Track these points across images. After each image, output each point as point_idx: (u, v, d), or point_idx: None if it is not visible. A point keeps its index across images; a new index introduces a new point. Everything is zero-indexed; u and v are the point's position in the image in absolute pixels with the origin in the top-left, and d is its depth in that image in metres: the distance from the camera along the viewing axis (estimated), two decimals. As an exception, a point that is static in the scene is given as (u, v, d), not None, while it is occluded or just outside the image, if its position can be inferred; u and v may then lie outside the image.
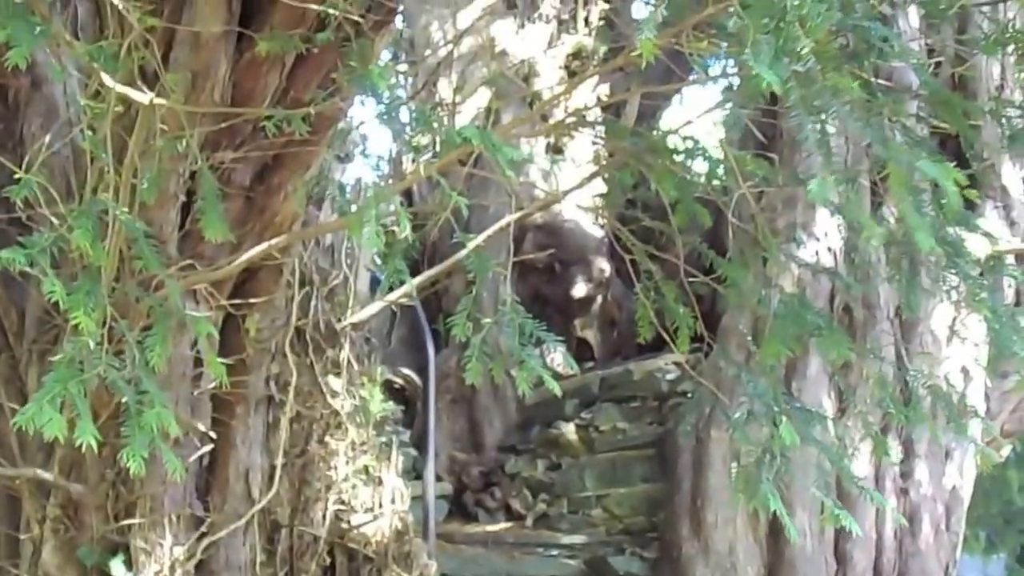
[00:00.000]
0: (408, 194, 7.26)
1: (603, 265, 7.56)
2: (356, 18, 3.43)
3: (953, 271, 2.99)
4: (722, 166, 3.22)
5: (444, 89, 7.68)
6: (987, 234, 3.68)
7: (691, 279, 3.52)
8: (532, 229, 7.37)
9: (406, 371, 7.01)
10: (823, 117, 2.51)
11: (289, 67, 3.66)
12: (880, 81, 3.00)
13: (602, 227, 7.44)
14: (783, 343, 3.00)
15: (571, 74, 7.75)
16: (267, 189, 3.90)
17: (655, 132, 4.82)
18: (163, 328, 2.82)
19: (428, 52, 7.91)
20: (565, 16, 8.04)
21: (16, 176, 2.80)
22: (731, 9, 2.43)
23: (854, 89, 2.49)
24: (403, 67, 8.18)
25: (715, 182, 3.29)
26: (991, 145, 5.26)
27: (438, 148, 3.42)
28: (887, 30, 2.66)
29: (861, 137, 2.95)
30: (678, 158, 3.28)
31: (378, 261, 4.57)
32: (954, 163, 3.33)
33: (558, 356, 7.56)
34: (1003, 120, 3.09)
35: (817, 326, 3.02)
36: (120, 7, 2.69)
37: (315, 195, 4.49)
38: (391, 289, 4.26)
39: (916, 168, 2.47)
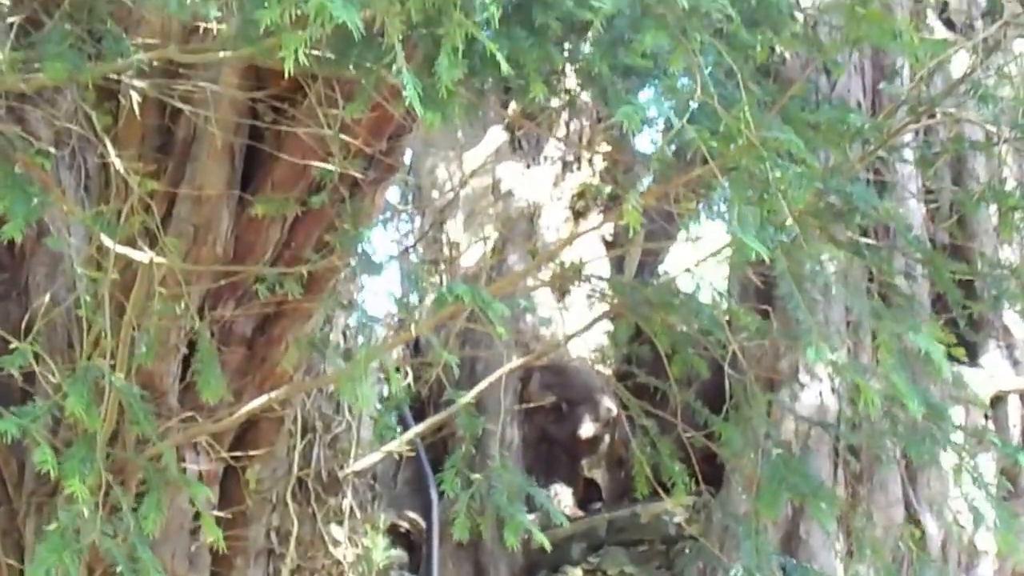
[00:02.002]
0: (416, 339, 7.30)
1: (610, 404, 7.53)
2: (356, 175, 3.52)
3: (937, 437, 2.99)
4: (717, 319, 3.24)
5: (451, 230, 7.77)
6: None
7: (688, 435, 3.52)
8: (538, 369, 7.37)
9: (412, 515, 6.94)
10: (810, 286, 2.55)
11: (290, 221, 3.73)
12: (867, 241, 3.05)
13: (608, 366, 7.44)
14: (778, 504, 2.97)
15: (576, 214, 7.84)
16: (268, 340, 3.93)
17: (657, 278, 4.86)
18: (157, 494, 2.81)
19: (435, 194, 8.02)
20: (570, 157, 8.16)
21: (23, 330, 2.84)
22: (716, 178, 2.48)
23: (839, 257, 2.53)
24: (409, 208, 8.28)
25: (710, 336, 3.31)
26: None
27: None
28: (869, 193, 2.72)
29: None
30: (675, 313, 3.31)
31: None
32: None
33: (566, 496, 7.54)
34: (991, 279, 3.13)
35: (813, 487, 3.00)
36: (121, 171, 2.74)
37: (318, 342, 4.52)
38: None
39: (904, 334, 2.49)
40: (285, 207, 3.40)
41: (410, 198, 8.31)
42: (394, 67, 2.15)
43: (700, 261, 3.72)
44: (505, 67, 2.19)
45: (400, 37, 2.25)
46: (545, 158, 8.06)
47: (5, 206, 2.37)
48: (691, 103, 2.48)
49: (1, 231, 2.44)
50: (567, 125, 7.85)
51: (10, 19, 3.28)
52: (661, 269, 8.03)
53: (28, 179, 2.51)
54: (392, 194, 7.68)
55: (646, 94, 3.63)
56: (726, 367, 3.32)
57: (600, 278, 4.10)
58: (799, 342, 2.90)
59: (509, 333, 2.57)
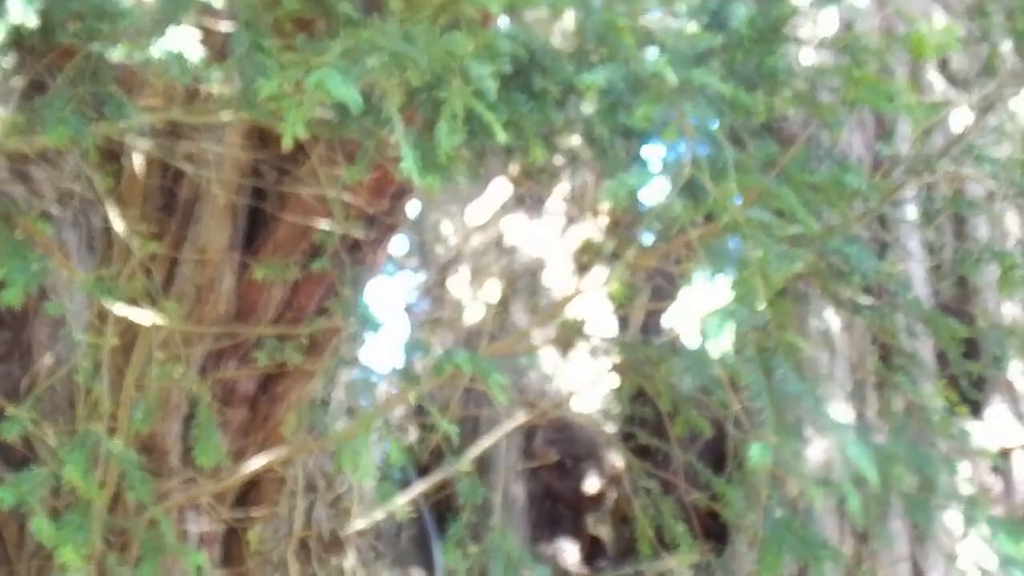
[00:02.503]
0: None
1: (615, 460, 7.50)
2: (357, 236, 3.53)
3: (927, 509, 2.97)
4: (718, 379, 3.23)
5: (454, 284, 7.78)
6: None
7: (690, 496, 3.51)
8: (542, 425, 7.36)
9: (416, 574, 6.89)
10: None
11: (293, 280, 3.74)
12: (864, 302, 3.05)
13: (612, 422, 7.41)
14: (780, 565, 2.95)
15: (580, 268, 7.85)
16: (271, 399, 3.93)
17: (661, 333, 4.85)
18: (154, 560, 2.80)
19: (438, 248, 8.04)
20: (574, 211, 8.18)
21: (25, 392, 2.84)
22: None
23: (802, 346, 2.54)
24: (414, 262, 8.30)
25: (712, 396, 3.31)
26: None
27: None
28: (868, 253, 2.72)
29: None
30: (676, 372, 3.30)
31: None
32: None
33: (572, 552, 7.47)
34: (993, 338, 3.13)
35: (817, 547, 2.98)
36: (122, 235, 2.76)
37: (321, 401, 4.51)
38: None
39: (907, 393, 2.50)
40: (285, 272, 3.41)
41: (414, 252, 8.33)
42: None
43: (703, 317, 3.70)
44: (503, 136, 2.20)
45: (399, 104, 2.28)
46: (549, 212, 8.08)
47: (5, 273, 2.38)
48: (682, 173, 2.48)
49: (0, 298, 2.45)
50: (570, 179, 7.87)
51: (13, 81, 3.33)
52: (666, 321, 8.04)
53: (29, 244, 2.53)
54: (398, 245, 7.72)
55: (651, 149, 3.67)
56: (728, 427, 3.32)
57: (601, 337, 4.09)
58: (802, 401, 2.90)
59: (509, 398, 2.56)
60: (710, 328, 2.66)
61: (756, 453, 2.44)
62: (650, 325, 7.41)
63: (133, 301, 2.99)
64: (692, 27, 3.79)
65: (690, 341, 3.57)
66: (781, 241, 2.67)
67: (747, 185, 2.69)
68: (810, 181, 2.97)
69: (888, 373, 3.47)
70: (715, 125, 2.78)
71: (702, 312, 3.27)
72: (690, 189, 2.75)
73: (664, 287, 5.03)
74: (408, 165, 2.12)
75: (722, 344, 2.55)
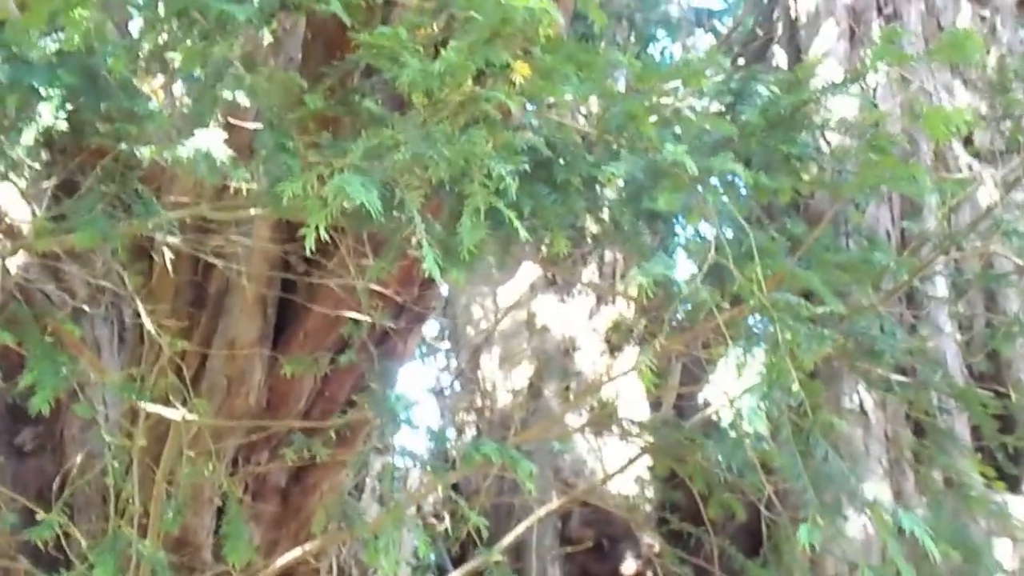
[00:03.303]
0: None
1: (652, 541, 7.40)
2: (388, 325, 3.55)
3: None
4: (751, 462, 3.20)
5: (486, 366, 7.77)
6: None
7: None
8: (578, 505, 7.28)
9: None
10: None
11: (323, 370, 3.74)
12: (897, 378, 3.03)
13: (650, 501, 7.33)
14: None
15: (612, 348, 7.82)
16: (302, 490, 3.92)
17: (694, 412, 4.82)
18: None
19: (469, 330, 8.04)
20: (603, 290, 8.17)
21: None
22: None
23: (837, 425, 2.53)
24: (445, 344, 8.30)
25: (745, 479, 3.27)
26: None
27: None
28: (890, 337, 2.72)
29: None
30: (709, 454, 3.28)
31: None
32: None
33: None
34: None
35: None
36: (152, 333, 2.78)
37: (352, 489, 4.49)
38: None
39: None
40: (314, 367, 3.42)
41: (445, 335, 8.33)
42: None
43: (733, 399, 3.68)
44: (524, 234, 2.22)
45: (422, 199, 2.30)
46: (579, 291, 8.07)
47: (35, 376, 2.41)
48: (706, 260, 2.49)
49: (30, 403, 2.47)
50: (598, 259, 7.88)
51: (45, 184, 3.39)
52: (701, 397, 7.97)
53: (58, 347, 2.55)
54: (429, 327, 7.73)
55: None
56: (762, 509, 3.28)
57: (632, 421, 4.07)
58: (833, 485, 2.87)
59: (539, 486, 2.55)
60: (743, 410, 2.66)
61: (805, 535, 2.41)
62: (683, 405, 7.35)
63: (163, 398, 3.00)
64: (715, 107, 3.84)
65: (723, 422, 3.56)
66: (809, 322, 2.67)
67: (773, 268, 2.70)
68: (837, 260, 2.96)
69: (924, 449, 3.42)
70: (737, 208, 2.80)
71: (735, 394, 3.27)
72: (716, 272, 2.75)
73: (695, 367, 4.99)
74: (430, 264, 2.14)
75: (755, 425, 2.54)
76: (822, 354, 2.66)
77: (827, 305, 2.57)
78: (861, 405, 4.56)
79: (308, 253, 3.51)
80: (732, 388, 3.60)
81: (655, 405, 7.06)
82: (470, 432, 7.45)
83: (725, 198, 2.69)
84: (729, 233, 2.77)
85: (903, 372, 3.30)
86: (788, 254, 3.14)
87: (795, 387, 2.62)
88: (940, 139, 2.46)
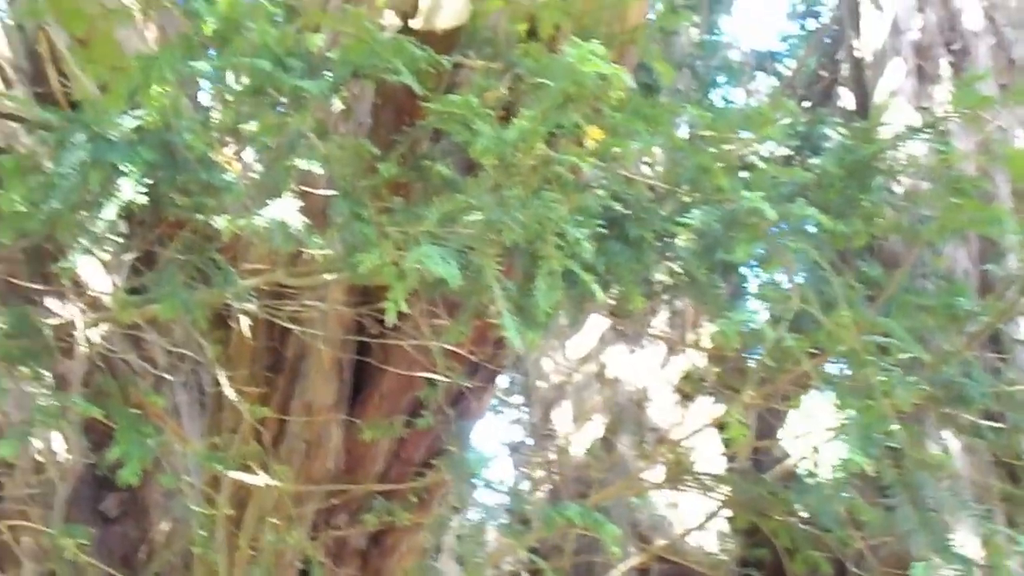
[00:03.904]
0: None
1: (734, 595, 7.29)
2: (463, 384, 3.55)
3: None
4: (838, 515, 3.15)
5: (559, 419, 7.73)
6: None
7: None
8: (657, 561, 7.18)
9: None
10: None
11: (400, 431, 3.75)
12: (989, 424, 2.96)
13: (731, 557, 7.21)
14: None
15: (684, 397, 7.75)
16: (381, 552, 3.91)
17: (773, 462, 4.75)
18: None
19: (541, 383, 8.02)
20: (675, 338, 8.10)
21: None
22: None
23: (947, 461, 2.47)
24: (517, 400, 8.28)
25: (831, 533, 3.21)
26: None
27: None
28: (977, 382, 2.66)
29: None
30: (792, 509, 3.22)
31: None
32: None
33: None
34: None
35: None
36: (233, 401, 2.81)
37: (432, 549, 4.48)
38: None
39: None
40: (391, 430, 3.43)
41: (517, 388, 8.32)
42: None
43: (815, 449, 3.62)
44: (601, 296, 2.21)
45: (496, 261, 2.31)
46: (649, 342, 8.02)
47: (122, 449, 2.44)
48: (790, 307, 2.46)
49: (118, 476, 2.50)
50: (669, 309, 7.83)
51: (125, 255, 3.46)
52: (780, 446, 7.86)
53: (143, 418, 2.59)
54: (500, 381, 7.72)
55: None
56: (851, 568, 3.21)
57: (711, 475, 4.02)
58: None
59: (621, 548, 2.52)
60: (831, 458, 2.62)
61: (920, 573, 2.36)
62: (760, 455, 7.25)
63: (245, 465, 3.03)
64: (781, 151, 3.81)
65: (807, 473, 3.50)
66: (895, 368, 2.62)
67: (854, 315, 2.66)
68: (919, 304, 2.91)
69: (1016, 494, 3.32)
70: (816, 255, 2.77)
71: (817, 443, 3.22)
72: (797, 321, 2.72)
73: (769, 415, 4.92)
74: (508, 330, 2.13)
75: (851, 468, 2.49)
76: (913, 399, 2.61)
77: (910, 351, 2.52)
78: (946, 451, 4.45)
79: (382, 315, 3.57)
80: (814, 437, 3.56)
81: (731, 456, 6.97)
82: (545, 487, 7.40)
83: (804, 245, 2.66)
84: (805, 279, 2.74)
85: (990, 417, 3.22)
86: (867, 299, 3.10)
87: (892, 429, 2.57)
88: (1021, 180, 2.42)
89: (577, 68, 2.10)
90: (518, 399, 8.28)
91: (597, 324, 7.99)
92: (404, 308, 2.17)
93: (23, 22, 4.44)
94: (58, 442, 3.61)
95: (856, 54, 6.31)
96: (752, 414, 6.86)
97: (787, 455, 5.75)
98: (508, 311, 2.14)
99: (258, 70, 2.27)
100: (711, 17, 8.65)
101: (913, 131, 2.66)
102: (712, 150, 2.69)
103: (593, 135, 2.26)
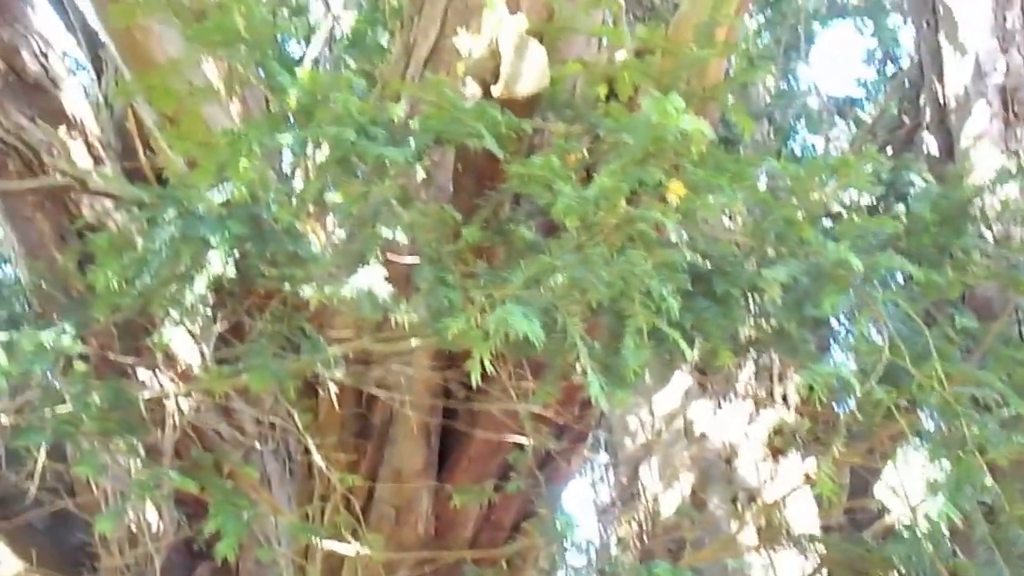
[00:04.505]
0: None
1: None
2: (551, 447, 3.53)
3: None
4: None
5: (646, 477, 7.65)
6: None
7: None
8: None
9: None
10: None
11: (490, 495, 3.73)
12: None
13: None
14: None
15: (775, 452, 7.62)
16: (475, 617, 3.89)
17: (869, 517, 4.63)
18: None
19: (627, 440, 7.95)
20: (762, 393, 7.99)
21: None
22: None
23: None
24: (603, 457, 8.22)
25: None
26: None
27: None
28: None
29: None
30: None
31: None
32: None
33: None
34: None
35: None
36: (324, 470, 2.82)
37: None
38: None
39: None
40: (481, 496, 3.42)
41: (602, 446, 8.26)
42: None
43: (911, 505, 3.53)
44: (690, 353, 2.19)
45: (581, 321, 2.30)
46: (736, 396, 7.91)
47: (219, 523, 2.46)
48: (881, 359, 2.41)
49: (214, 550, 2.52)
50: (755, 362, 7.73)
51: (215, 327, 3.51)
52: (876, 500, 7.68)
53: (237, 492, 2.61)
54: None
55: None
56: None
57: (807, 536, 3.93)
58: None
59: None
60: (930, 513, 2.56)
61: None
62: (855, 510, 7.09)
63: (336, 533, 3.03)
64: (865, 199, 3.76)
65: (905, 528, 3.40)
66: (992, 422, 2.56)
67: (950, 368, 2.60)
68: (1018, 357, 2.84)
69: None
70: (906, 306, 2.72)
71: (916, 498, 3.13)
72: (888, 374, 2.66)
73: (864, 469, 4.81)
74: (595, 391, 2.12)
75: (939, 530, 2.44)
76: (1014, 453, 2.54)
77: (1011, 406, 2.45)
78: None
79: (468, 378, 3.58)
80: (912, 492, 3.47)
81: (825, 510, 6.82)
82: (634, 546, 7.31)
83: (893, 296, 2.61)
84: (896, 330, 2.69)
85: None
86: (963, 351, 3.03)
87: (987, 485, 2.51)
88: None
89: (657, 123, 2.10)
90: (604, 457, 8.21)
91: (682, 379, 7.91)
92: (488, 368, 2.16)
93: (115, 102, 4.58)
94: (152, 513, 3.66)
95: (939, 98, 6.22)
96: (845, 469, 6.74)
97: (884, 510, 5.62)
98: (594, 370, 2.12)
99: (342, 140, 2.31)
100: (788, 65, 8.62)
101: (1007, 176, 2.61)
102: (795, 202, 2.67)
103: (676, 190, 2.25)
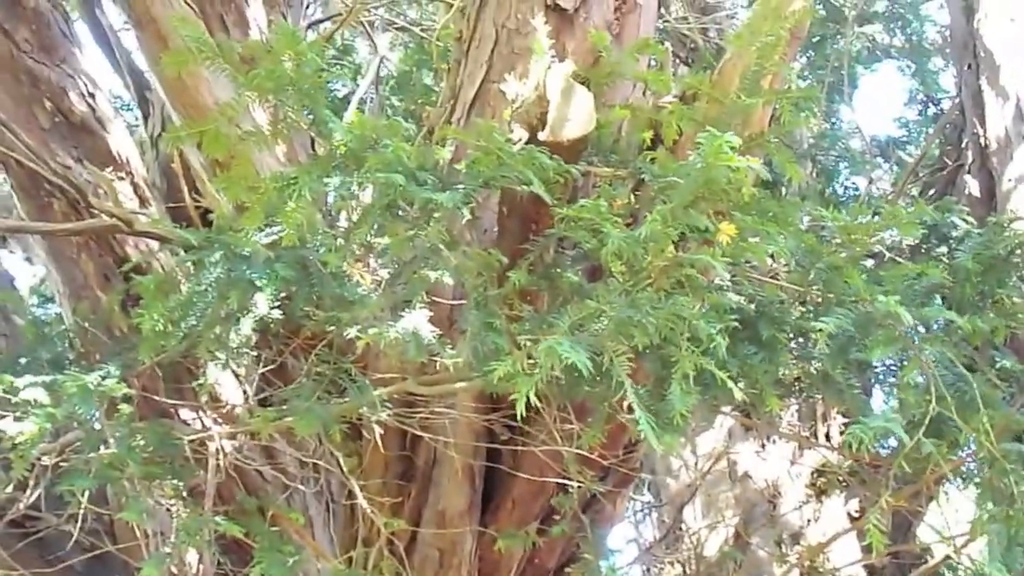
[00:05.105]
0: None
1: None
2: (596, 489, 3.51)
3: None
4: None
5: (689, 518, 7.60)
6: None
7: None
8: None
9: None
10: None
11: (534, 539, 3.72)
12: None
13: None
14: None
15: (819, 492, 7.55)
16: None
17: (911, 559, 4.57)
18: None
19: (670, 481, 7.90)
20: (805, 432, 7.93)
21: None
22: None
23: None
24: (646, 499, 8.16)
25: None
26: None
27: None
28: None
29: None
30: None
31: None
32: None
33: None
34: None
35: None
36: (369, 514, 2.82)
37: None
38: None
39: None
40: (525, 540, 3.41)
41: (646, 488, 8.20)
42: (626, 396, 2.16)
43: (960, 548, 3.48)
44: (739, 394, 2.18)
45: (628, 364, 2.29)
46: (780, 436, 7.85)
47: (263, 569, 2.46)
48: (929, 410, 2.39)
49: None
50: (799, 403, 7.67)
51: (257, 368, 3.53)
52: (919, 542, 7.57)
53: (282, 537, 2.61)
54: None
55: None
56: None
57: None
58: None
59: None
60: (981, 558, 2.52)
61: None
62: (898, 553, 6.99)
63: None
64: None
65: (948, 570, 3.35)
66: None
67: (996, 416, 2.57)
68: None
69: None
70: (952, 354, 2.69)
71: (961, 539, 3.09)
72: (934, 422, 2.64)
73: (908, 512, 4.74)
74: (646, 431, 2.11)
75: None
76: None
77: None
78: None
79: (512, 420, 3.58)
80: (955, 533, 3.43)
81: (867, 552, 6.73)
82: (679, 590, 7.25)
83: (939, 348, 2.59)
84: (942, 379, 2.66)
85: None
86: (1008, 396, 3.00)
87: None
88: None
89: (709, 163, 2.10)
90: (647, 497, 8.15)
91: (725, 419, 7.86)
92: (534, 407, 2.16)
93: (165, 147, 4.63)
94: (192, 555, 3.67)
95: (980, 140, 6.19)
96: (888, 511, 6.62)
97: (927, 551, 5.53)
98: (643, 409, 2.12)
99: (391, 185, 2.32)
100: (831, 106, 8.62)
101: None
102: (840, 248, 2.66)
103: (727, 231, 2.25)
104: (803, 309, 2.68)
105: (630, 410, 2.38)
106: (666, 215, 2.19)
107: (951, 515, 3.95)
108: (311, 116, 2.46)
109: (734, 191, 2.23)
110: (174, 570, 3.82)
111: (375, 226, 2.62)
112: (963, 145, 6.91)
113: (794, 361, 2.90)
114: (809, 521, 7.41)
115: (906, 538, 7.15)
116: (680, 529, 7.60)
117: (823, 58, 8.11)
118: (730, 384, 2.16)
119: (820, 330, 2.33)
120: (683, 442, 7.96)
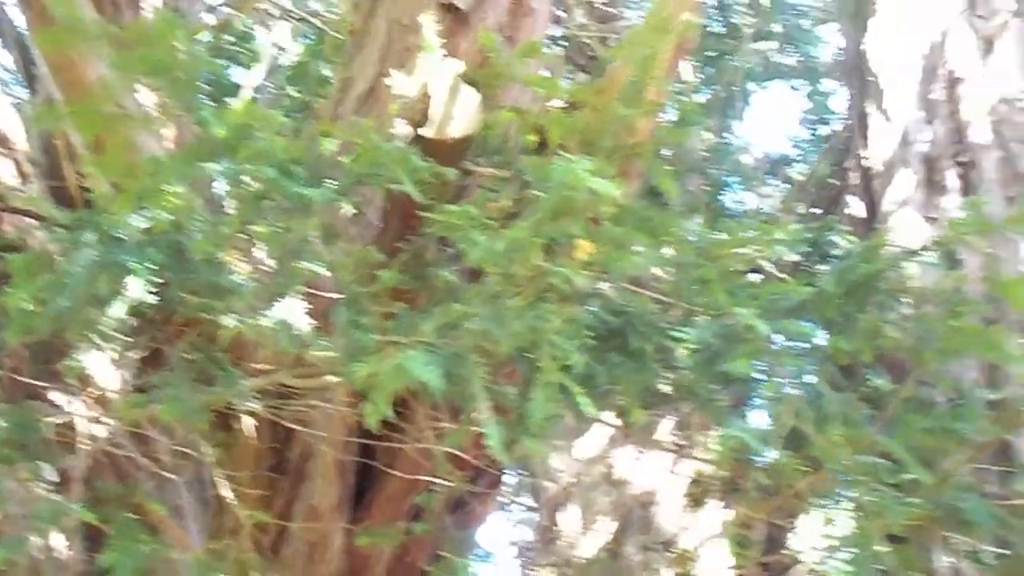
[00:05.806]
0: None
1: None
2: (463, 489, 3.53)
3: None
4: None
5: (566, 522, 7.66)
6: None
7: None
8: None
9: None
10: None
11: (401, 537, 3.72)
12: (992, 549, 2.92)
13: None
14: None
15: (694, 501, 7.68)
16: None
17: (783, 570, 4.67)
18: None
19: (547, 484, 7.96)
20: (682, 442, 8.06)
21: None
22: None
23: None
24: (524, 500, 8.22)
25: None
26: None
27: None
28: (980, 507, 2.63)
29: None
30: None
31: None
32: None
33: None
34: None
35: None
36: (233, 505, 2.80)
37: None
38: None
39: None
40: (392, 537, 3.41)
41: (524, 489, 8.26)
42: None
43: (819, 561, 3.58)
44: (591, 410, 2.22)
45: (493, 369, 2.32)
46: (649, 445, 7.96)
47: (114, 558, 2.43)
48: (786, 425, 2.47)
49: (111, 584, 2.49)
50: (676, 413, 7.80)
51: (132, 353, 3.47)
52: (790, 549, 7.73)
53: (140, 525, 2.58)
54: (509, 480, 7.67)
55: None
56: None
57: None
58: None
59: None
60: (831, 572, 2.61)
61: None
62: (770, 563, 7.14)
63: (244, 570, 3.00)
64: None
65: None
66: (893, 487, 2.62)
67: (854, 433, 2.65)
68: (923, 426, 2.89)
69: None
70: (815, 370, 2.77)
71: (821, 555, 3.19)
72: (797, 436, 2.71)
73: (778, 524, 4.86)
74: (492, 441, 2.14)
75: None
76: (909, 520, 2.60)
77: (910, 472, 2.51)
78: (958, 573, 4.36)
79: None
80: (818, 550, 3.52)
81: (739, 561, 6.87)
82: (552, 590, 7.31)
83: (801, 361, 2.67)
84: (804, 394, 2.74)
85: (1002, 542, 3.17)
86: (872, 414, 3.09)
87: (881, 551, 2.57)
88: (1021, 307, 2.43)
89: (568, 182, 2.13)
90: (524, 498, 8.21)
91: (605, 425, 7.94)
92: (387, 413, 2.17)
93: (42, 128, 4.53)
94: (57, 539, 3.60)
95: (864, 163, 6.36)
96: (760, 523, 6.77)
97: (796, 562, 5.67)
98: (498, 420, 2.14)
99: (260, 178, 2.31)
100: (724, 122, 8.76)
101: (915, 253, 2.68)
102: (713, 263, 2.71)
103: (584, 248, 2.28)
104: (669, 321, 2.73)
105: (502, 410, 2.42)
106: (530, 226, 2.22)
107: (821, 527, 4.05)
108: (185, 102, 2.43)
109: (594, 208, 2.26)
110: (38, 555, 3.75)
111: (253, 216, 2.60)
112: (848, 167, 7.09)
113: (663, 372, 2.94)
114: (685, 529, 7.53)
115: (775, 548, 7.32)
116: (557, 531, 7.66)
117: (719, 73, 8.26)
118: (584, 400, 2.19)
119: (683, 341, 2.39)
120: (559, 446, 8.03)
